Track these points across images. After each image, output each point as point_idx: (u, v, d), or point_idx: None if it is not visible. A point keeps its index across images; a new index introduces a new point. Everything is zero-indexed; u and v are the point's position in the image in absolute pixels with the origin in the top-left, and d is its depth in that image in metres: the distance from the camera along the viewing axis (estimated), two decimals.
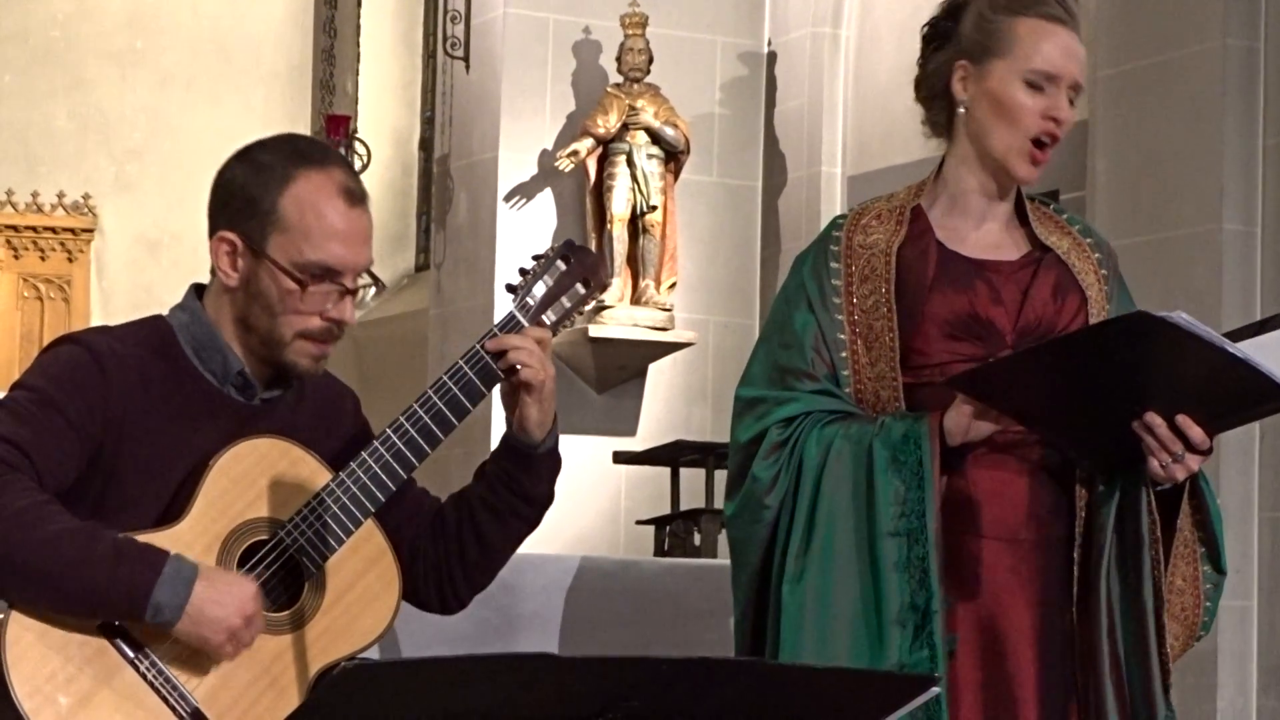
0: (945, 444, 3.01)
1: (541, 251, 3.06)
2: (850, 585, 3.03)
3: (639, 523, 6.78)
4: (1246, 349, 2.88)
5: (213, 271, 2.98)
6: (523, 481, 3.04)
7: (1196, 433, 2.95)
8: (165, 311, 3.04)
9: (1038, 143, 3.11)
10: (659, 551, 6.30)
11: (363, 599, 2.93)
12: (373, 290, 3.02)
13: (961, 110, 3.16)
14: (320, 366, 2.98)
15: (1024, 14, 3.12)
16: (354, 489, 2.90)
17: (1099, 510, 3.07)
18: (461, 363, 2.95)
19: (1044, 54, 3.10)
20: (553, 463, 3.07)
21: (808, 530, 3.07)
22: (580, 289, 3.04)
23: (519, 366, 2.93)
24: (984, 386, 2.97)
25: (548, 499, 3.10)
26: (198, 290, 3.02)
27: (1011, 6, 3.13)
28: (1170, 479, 3.00)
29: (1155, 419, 2.94)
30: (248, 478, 2.88)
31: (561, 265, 3.03)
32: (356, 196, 2.95)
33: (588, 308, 3.26)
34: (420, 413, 2.94)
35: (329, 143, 9.15)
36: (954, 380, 2.97)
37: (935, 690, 2.31)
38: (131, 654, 2.79)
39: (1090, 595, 3.06)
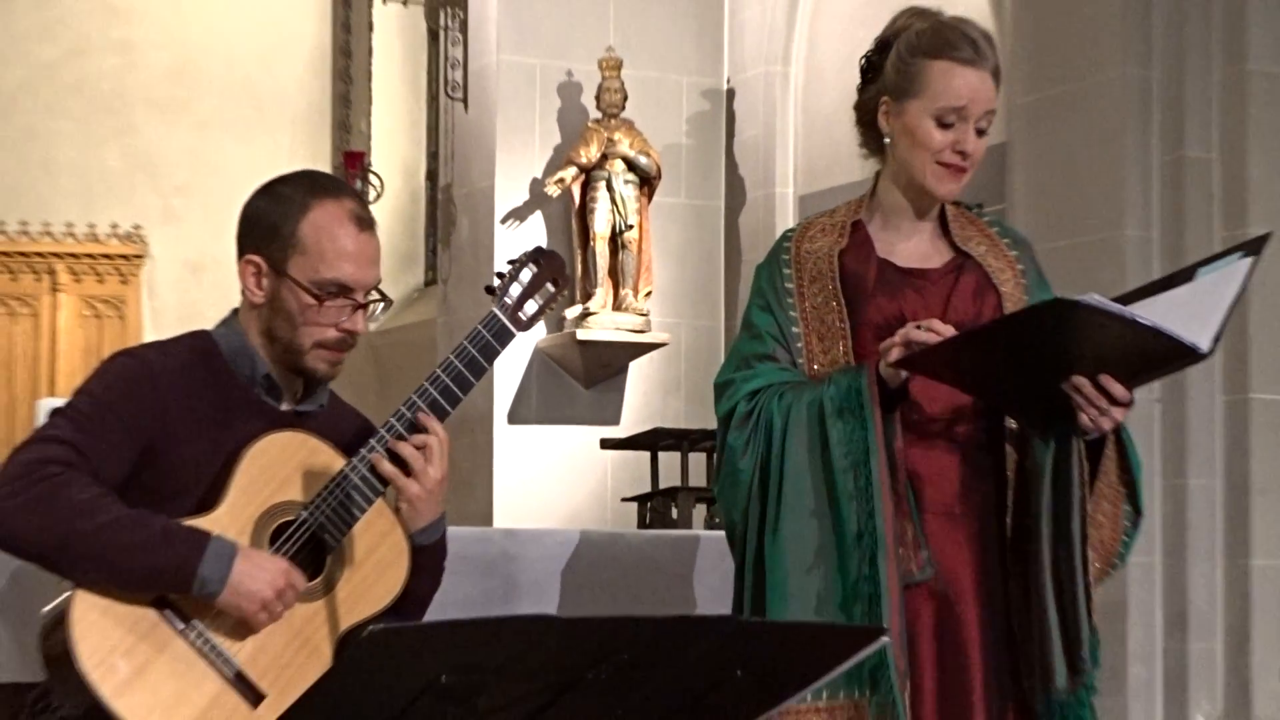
0: (887, 387, 3.01)
1: (515, 257, 3.07)
2: (817, 523, 3.02)
3: (624, 500, 6.76)
4: (1156, 307, 2.89)
5: (244, 292, 2.97)
6: None
7: (1119, 389, 2.96)
8: (209, 327, 3.03)
9: (946, 164, 3.10)
10: (641, 525, 6.28)
11: (379, 566, 2.92)
12: (381, 305, 3.00)
13: (887, 140, 3.16)
14: (337, 371, 2.97)
15: (937, 58, 3.08)
16: (365, 471, 2.89)
17: (1036, 459, 3.05)
18: (467, 340, 3.00)
19: (952, 93, 3.07)
20: (425, 559, 2.97)
21: (779, 484, 3.06)
22: (550, 288, 3.06)
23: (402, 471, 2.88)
24: (927, 365, 2.98)
25: (414, 592, 2.96)
26: (235, 312, 3.02)
27: (926, 50, 3.09)
28: (1099, 430, 3.01)
29: (1082, 380, 2.96)
30: (273, 467, 2.88)
31: (533, 268, 3.05)
32: (366, 222, 2.95)
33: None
34: (418, 401, 2.93)
35: (346, 175, 9.15)
36: (901, 362, 2.97)
37: (884, 640, 2.30)
38: (181, 626, 2.79)
39: (1031, 539, 3.05)
